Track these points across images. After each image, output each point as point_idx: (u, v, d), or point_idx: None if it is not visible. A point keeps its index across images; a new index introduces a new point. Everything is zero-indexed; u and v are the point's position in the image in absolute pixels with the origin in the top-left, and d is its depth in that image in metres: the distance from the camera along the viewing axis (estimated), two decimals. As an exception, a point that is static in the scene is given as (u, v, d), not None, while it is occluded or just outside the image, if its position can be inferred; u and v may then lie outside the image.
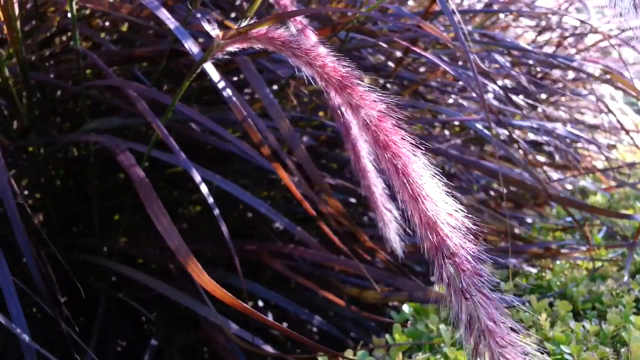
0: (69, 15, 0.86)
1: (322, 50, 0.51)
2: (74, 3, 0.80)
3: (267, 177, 1.38)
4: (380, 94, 0.50)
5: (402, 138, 0.47)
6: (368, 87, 0.49)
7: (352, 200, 1.36)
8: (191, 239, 0.72)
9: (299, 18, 0.71)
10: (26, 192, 1.18)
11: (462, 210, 0.46)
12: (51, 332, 1.16)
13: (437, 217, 0.45)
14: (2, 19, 0.81)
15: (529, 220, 1.35)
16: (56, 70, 1.06)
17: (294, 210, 1.33)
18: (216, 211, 0.72)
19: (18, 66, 0.86)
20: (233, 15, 1.26)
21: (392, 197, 0.73)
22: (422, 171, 0.46)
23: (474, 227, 0.46)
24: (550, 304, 0.83)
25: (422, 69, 1.49)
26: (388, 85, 1.28)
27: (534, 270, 1.03)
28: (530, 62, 1.55)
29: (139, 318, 1.27)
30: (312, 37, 0.69)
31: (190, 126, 1.14)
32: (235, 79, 1.26)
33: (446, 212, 0.45)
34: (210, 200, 0.73)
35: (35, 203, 1.20)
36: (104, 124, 0.95)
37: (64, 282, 0.92)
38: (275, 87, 1.28)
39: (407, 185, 0.45)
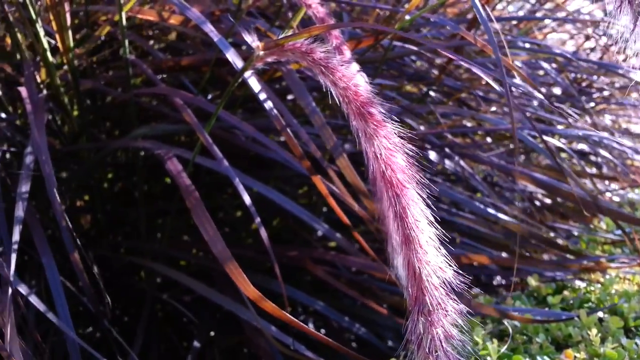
0: (119, 24, 0.89)
1: (351, 69, 0.51)
2: (124, 13, 0.82)
3: (308, 183, 1.38)
4: (398, 126, 0.49)
5: (408, 178, 0.46)
6: (386, 115, 0.49)
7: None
8: (232, 243, 0.73)
9: (335, 32, 0.71)
10: (74, 195, 1.22)
11: (452, 265, 0.44)
12: (96, 331, 1.19)
13: (422, 268, 0.43)
14: (55, 28, 0.84)
15: (576, 233, 1.31)
16: (105, 77, 1.09)
17: (334, 217, 1.33)
18: (257, 219, 0.73)
19: (69, 73, 0.89)
20: (277, 23, 1.27)
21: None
22: (421, 216, 0.45)
23: (462, 284, 0.44)
24: (600, 320, 0.80)
25: (465, 76, 1.47)
26: (431, 93, 1.27)
27: (582, 285, 1.00)
28: (576, 69, 1.51)
29: (181, 319, 1.29)
30: (347, 54, 0.69)
31: (233, 133, 1.15)
32: (277, 86, 1.27)
33: (436, 265, 0.43)
34: (252, 208, 0.74)
35: (84, 205, 1.24)
36: (151, 130, 0.98)
37: (109, 282, 0.95)
38: (315, 94, 1.29)
39: (401, 227, 0.44)
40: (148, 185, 1.26)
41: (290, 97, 1.31)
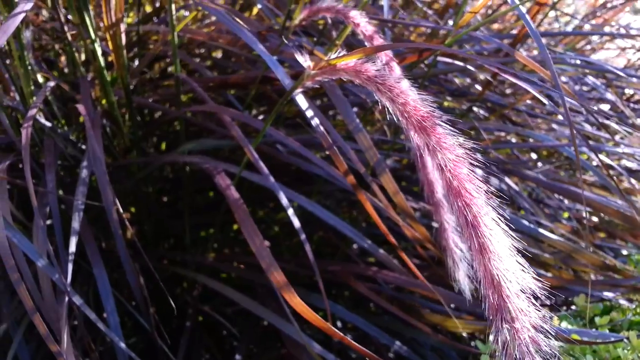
0: (169, 43, 0.92)
1: (405, 85, 0.52)
2: (175, 33, 0.85)
3: (349, 198, 1.39)
4: (461, 138, 0.49)
5: (476, 187, 0.46)
6: (449, 129, 0.49)
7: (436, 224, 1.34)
8: (273, 256, 0.74)
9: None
10: (122, 207, 1.26)
11: (529, 271, 0.43)
12: (139, 341, 1.22)
13: (501, 276, 0.42)
14: (111, 47, 0.88)
15: (625, 252, 1.27)
16: (158, 94, 1.13)
17: (376, 232, 1.33)
18: (302, 236, 0.74)
19: (123, 90, 0.93)
20: (315, 38, 1.29)
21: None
22: (493, 225, 0.44)
23: (542, 291, 0.43)
24: (651, 343, 0.77)
25: (508, 91, 1.45)
26: (474, 109, 1.26)
27: (632, 306, 0.97)
28: (625, 85, 1.47)
29: (221, 331, 1.31)
30: (396, 71, 0.70)
31: (276, 148, 1.17)
32: (319, 102, 1.28)
33: (513, 272, 0.43)
34: (297, 223, 0.75)
35: (130, 217, 1.28)
36: (199, 145, 1.00)
37: (152, 293, 0.97)
38: (356, 109, 1.29)
39: (475, 237, 0.44)
40: (192, 198, 1.29)
41: (331, 112, 1.32)
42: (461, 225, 0.45)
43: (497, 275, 0.43)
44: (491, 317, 0.43)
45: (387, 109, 0.52)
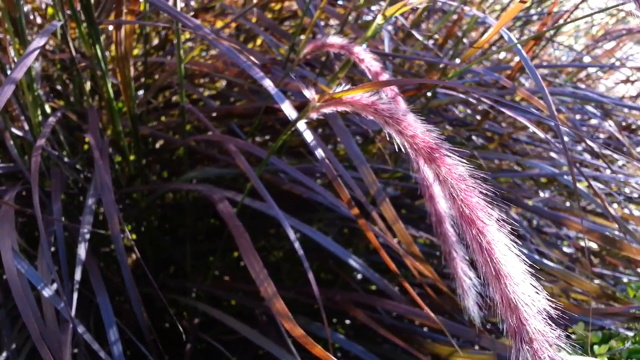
0: (174, 73, 0.94)
1: (412, 118, 0.53)
2: (182, 66, 0.87)
3: (349, 226, 1.39)
4: (469, 167, 0.50)
5: (488, 215, 0.47)
6: (457, 159, 0.50)
7: (437, 252, 1.35)
8: (274, 283, 0.74)
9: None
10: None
11: (543, 294, 0.45)
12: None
13: (518, 300, 0.44)
14: (119, 79, 0.90)
15: (625, 280, 1.27)
16: (159, 123, 1.14)
17: (375, 260, 1.34)
18: (306, 264, 0.74)
19: (129, 120, 0.94)
20: (317, 69, 1.32)
21: (472, 263, 0.72)
22: (506, 251, 0.45)
23: (556, 312, 0.45)
24: (652, 372, 0.78)
25: (509, 120, 1.47)
26: (473, 138, 1.28)
27: (630, 334, 0.97)
28: (624, 114, 1.50)
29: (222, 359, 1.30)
30: (402, 104, 0.71)
31: (278, 176, 1.18)
32: (320, 130, 1.30)
33: (528, 295, 0.44)
34: (302, 253, 0.75)
35: (131, 244, 1.28)
36: (202, 173, 1.01)
37: (152, 320, 0.97)
38: (357, 137, 1.31)
39: (490, 264, 0.45)
40: (194, 226, 1.30)
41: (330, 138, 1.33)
42: (474, 253, 0.46)
43: (514, 299, 0.44)
44: (510, 338, 0.45)
45: (395, 140, 0.53)
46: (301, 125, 0.77)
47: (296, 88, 0.98)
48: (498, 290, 0.44)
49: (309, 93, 0.60)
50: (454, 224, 0.72)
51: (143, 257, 1.24)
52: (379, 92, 0.62)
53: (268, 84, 0.73)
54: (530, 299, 0.45)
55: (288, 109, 0.72)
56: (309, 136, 0.76)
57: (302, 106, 0.78)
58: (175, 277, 1.32)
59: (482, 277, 0.46)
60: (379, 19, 0.75)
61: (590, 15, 0.83)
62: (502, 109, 0.74)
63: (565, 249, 1.37)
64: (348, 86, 0.58)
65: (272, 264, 1.43)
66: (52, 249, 0.85)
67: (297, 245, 0.75)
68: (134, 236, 1.27)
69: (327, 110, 0.62)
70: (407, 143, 0.52)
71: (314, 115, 0.63)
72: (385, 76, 0.69)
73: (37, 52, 0.64)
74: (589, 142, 1.02)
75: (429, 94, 1.07)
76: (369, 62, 0.70)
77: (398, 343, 0.97)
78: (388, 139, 0.55)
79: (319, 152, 0.76)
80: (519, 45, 0.68)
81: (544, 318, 0.45)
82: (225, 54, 0.77)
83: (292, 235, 0.75)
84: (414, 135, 0.51)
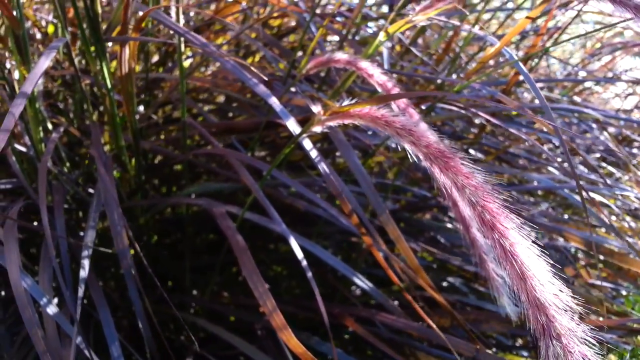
0: (175, 89, 0.94)
1: (424, 128, 0.54)
2: (184, 81, 0.88)
3: (348, 240, 1.40)
4: (485, 174, 0.51)
5: (507, 218, 0.48)
6: (472, 167, 0.51)
7: (434, 265, 1.35)
8: (273, 297, 0.75)
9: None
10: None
11: (567, 291, 0.46)
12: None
13: (544, 298, 0.45)
14: (122, 95, 0.90)
15: (624, 292, 1.28)
16: (159, 138, 1.15)
17: (374, 273, 1.34)
18: (312, 283, 0.75)
19: (131, 135, 0.95)
20: (316, 84, 1.33)
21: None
22: (528, 252, 0.47)
23: (581, 308, 0.46)
24: (652, 386, 0.78)
25: (501, 137, 1.49)
26: (471, 151, 1.29)
27: (628, 347, 0.97)
28: (620, 127, 1.51)
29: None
30: (415, 116, 0.72)
31: (278, 189, 1.19)
32: (319, 144, 1.31)
33: (552, 293, 0.45)
34: (304, 263, 0.76)
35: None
36: (202, 188, 1.02)
37: (151, 335, 0.96)
38: (357, 151, 1.32)
39: (514, 265, 0.46)
40: (193, 240, 1.30)
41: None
42: (498, 256, 0.47)
43: (541, 298, 0.45)
44: (539, 336, 0.46)
45: (408, 151, 0.54)
46: (307, 142, 0.78)
47: (298, 103, 0.99)
48: (524, 290, 0.46)
49: (315, 107, 0.61)
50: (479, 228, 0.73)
51: (141, 272, 1.24)
52: (390, 105, 0.63)
53: (274, 101, 0.74)
54: (556, 297, 0.46)
55: (294, 126, 0.73)
56: (313, 151, 0.76)
57: (304, 121, 0.78)
58: (174, 291, 1.32)
59: (508, 280, 0.47)
60: (382, 36, 0.76)
61: (589, 33, 0.84)
62: (502, 124, 0.75)
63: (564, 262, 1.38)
64: (349, 101, 0.59)
65: (270, 278, 1.43)
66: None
67: (304, 263, 0.75)
68: (132, 251, 1.27)
69: (334, 123, 0.62)
70: (422, 153, 0.52)
71: (318, 129, 0.64)
72: (395, 89, 0.70)
73: (44, 69, 0.65)
74: (580, 154, 1.03)
75: (427, 109, 1.08)
76: (379, 76, 0.71)
77: (397, 358, 0.97)
78: (389, 152, 0.56)
79: (322, 167, 0.76)
80: (520, 63, 0.69)
81: (571, 316, 0.46)
82: (231, 71, 0.77)
83: (299, 253, 0.76)
84: (429, 145, 0.52)
